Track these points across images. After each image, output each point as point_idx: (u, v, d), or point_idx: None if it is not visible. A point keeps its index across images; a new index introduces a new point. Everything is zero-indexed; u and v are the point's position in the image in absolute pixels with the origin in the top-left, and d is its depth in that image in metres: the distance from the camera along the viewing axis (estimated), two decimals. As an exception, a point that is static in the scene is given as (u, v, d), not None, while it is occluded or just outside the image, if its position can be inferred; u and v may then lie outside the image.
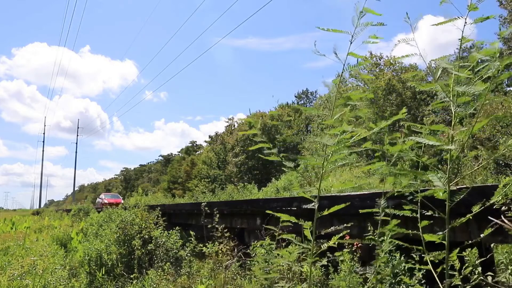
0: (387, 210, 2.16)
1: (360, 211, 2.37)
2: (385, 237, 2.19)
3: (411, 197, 2.11)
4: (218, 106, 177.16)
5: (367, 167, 2.22)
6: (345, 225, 2.43)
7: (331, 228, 2.34)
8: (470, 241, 2.37)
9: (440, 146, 1.83)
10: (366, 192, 4.10)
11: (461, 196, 1.86)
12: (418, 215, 2.02)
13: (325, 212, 2.13)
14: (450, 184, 1.84)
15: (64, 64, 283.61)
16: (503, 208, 2.21)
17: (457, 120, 1.86)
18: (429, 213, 1.96)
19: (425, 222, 1.99)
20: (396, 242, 2.23)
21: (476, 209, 1.90)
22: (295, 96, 49.87)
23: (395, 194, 2.14)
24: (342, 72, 1.92)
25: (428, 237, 1.92)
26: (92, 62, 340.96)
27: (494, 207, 1.99)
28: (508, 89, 23.86)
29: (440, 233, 1.88)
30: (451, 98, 1.80)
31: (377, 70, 26.85)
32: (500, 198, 1.89)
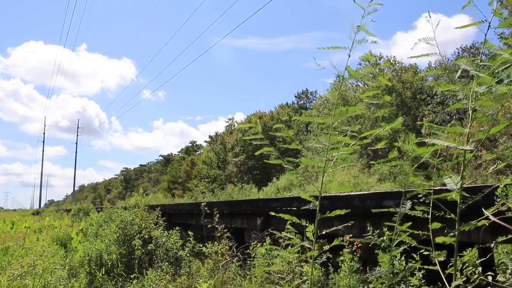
0: (404, 208, 2.11)
1: (373, 211, 2.31)
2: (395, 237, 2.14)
3: (412, 196, 2.09)
4: (217, 106, 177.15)
5: (382, 162, 2.19)
6: (345, 225, 2.42)
7: (333, 228, 2.33)
8: (473, 243, 2.35)
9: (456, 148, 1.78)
10: (366, 192, 4.11)
11: (475, 199, 1.82)
12: (430, 216, 1.98)
13: (327, 215, 2.12)
14: (463, 186, 1.81)
15: (62, 62, 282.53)
16: (503, 208, 2.20)
17: (473, 121, 1.80)
18: (437, 214, 1.93)
19: (437, 224, 1.94)
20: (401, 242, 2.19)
21: (490, 211, 1.85)
22: (295, 96, 49.71)
23: (410, 194, 2.10)
24: (341, 84, 2.01)
25: (439, 239, 1.88)
26: (89, 61, 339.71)
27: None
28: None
29: (451, 234, 1.84)
30: (473, 98, 1.75)
31: (377, 70, 26.84)
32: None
